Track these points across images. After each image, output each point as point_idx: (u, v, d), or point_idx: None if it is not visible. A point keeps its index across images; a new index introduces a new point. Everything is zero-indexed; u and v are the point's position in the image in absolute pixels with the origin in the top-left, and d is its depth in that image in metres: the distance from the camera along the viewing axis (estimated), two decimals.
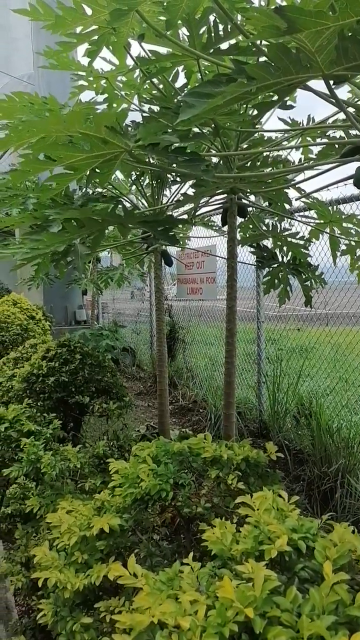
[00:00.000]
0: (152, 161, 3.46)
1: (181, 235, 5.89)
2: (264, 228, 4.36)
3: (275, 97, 1.98)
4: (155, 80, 3.74)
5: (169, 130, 2.12)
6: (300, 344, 6.07)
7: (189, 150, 2.40)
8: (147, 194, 4.75)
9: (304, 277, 4.19)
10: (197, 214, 4.25)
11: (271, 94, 2.16)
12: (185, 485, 1.58)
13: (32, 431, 2.60)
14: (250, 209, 3.93)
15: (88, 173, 2.46)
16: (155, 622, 0.97)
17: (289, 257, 4.24)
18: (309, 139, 3.75)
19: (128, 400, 3.04)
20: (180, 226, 5.36)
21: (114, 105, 3.86)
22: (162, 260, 5.10)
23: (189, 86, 3.58)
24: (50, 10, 2.85)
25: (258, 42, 1.81)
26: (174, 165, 2.25)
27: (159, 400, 4.63)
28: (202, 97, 1.46)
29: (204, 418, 6.18)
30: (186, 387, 7.10)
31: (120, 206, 3.36)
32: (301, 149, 3.91)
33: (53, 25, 2.72)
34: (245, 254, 6.10)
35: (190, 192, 3.65)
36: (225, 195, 3.82)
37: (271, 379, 5.57)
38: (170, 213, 3.83)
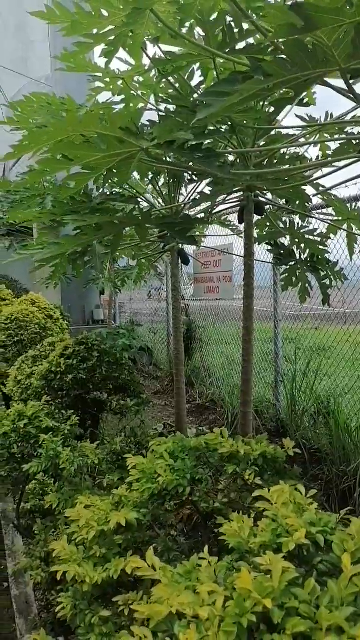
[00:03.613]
0: (168, 160, 3.47)
1: (197, 233, 5.89)
2: (281, 225, 4.35)
3: (292, 94, 1.99)
4: (171, 79, 3.75)
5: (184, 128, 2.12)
6: (317, 343, 6.02)
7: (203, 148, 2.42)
8: (164, 193, 4.76)
9: (322, 274, 4.17)
10: (213, 212, 4.24)
11: (287, 90, 2.16)
12: (202, 480, 1.59)
13: (51, 428, 2.63)
14: (267, 206, 3.92)
15: (105, 172, 2.48)
16: (173, 612, 0.98)
17: (306, 255, 4.22)
18: (326, 135, 3.73)
19: (145, 398, 3.05)
20: (197, 225, 5.36)
21: (131, 105, 3.89)
22: (179, 259, 5.12)
23: (204, 84, 3.60)
24: (67, 13, 2.87)
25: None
26: (190, 162, 2.26)
27: (176, 399, 4.64)
28: (219, 96, 1.47)
29: (221, 417, 6.18)
30: (203, 386, 7.11)
31: (136, 207, 3.38)
32: (319, 145, 3.89)
33: (69, 29, 2.75)
34: (262, 252, 6.08)
35: (207, 190, 3.65)
36: (242, 193, 3.83)
37: (288, 378, 5.55)
38: (187, 212, 3.84)
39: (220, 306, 7.89)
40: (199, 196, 3.38)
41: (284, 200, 4.22)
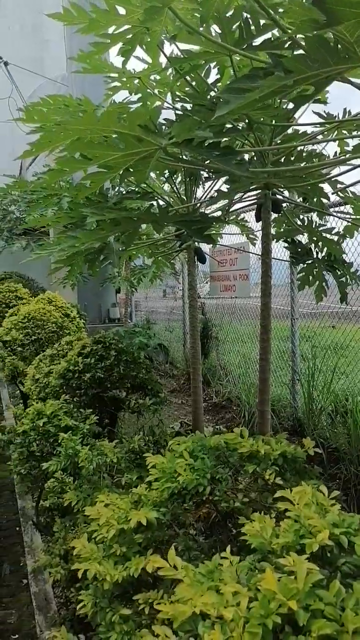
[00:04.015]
0: (185, 159, 3.46)
1: (213, 232, 5.87)
2: (299, 223, 4.32)
3: (311, 90, 1.97)
4: (188, 77, 3.74)
5: (202, 126, 2.11)
6: (334, 341, 5.98)
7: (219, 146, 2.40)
8: (180, 191, 4.76)
9: (339, 273, 4.14)
10: (230, 210, 4.22)
11: (306, 87, 2.14)
12: (222, 480, 1.59)
13: (70, 426, 2.65)
14: (284, 204, 3.89)
15: (122, 172, 2.48)
16: (197, 612, 0.97)
17: (324, 253, 4.19)
18: (344, 132, 3.69)
19: (163, 397, 3.05)
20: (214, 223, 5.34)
21: (148, 103, 3.89)
22: (196, 258, 5.11)
23: (220, 82, 3.59)
24: (84, 13, 2.88)
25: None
26: (208, 160, 2.25)
27: (193, 397, 4.64)
28: (239, 93, 1.46)
29: (237, 415, 6.17)
30: (219, 384, 7.09)
31: (154, 205, 3.38)
32: (337, 142, 3.85)
33: (86, 28, 2.75)
34: (278, 250, 6.05)
35: (224, 188, 3.64)
36: (259, 191, 3.81)
37: (305, 376, 5.52)
38: (204, 210, 3.83)
39: (236, 304, 7.87)
40: (216, 194, 3.38)
41: (300, 198, 4.19)
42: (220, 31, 2.63)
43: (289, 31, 1.71)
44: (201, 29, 2.81)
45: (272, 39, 2.61)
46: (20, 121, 3.40)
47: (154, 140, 2.00)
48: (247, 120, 2.96)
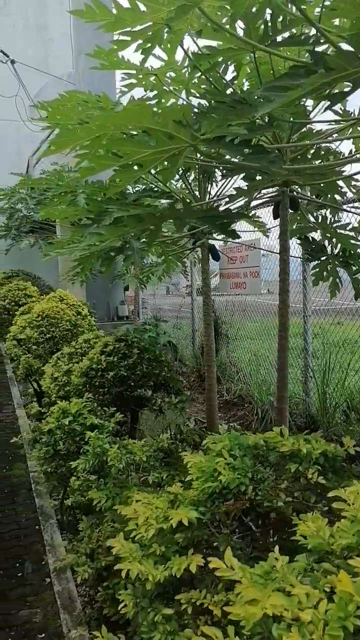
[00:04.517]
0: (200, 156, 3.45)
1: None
2: (312, 220, 4.31)
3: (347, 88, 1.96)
4: (205, 75, 3.73)
5: (233, 124, 2.11)
6: (343, 338, 5.96)
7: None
8: (193, 189, 4.75)
9: (354, 269, 4.13)
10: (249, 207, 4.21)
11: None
12: (264, 479, 1.58)
13: (95, 425, 2.65)
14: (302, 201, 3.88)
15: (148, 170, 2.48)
16: (269, 614, 0.97)
17: (338, 250, 4.19)
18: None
19: (189, 395, 3.05)
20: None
21: (162, 100, 3.88)
22: (210, 255, 5.10)
23: (237, 80, 3.58)
24: (107, 10, 2.87)
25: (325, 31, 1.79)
26: (238, 158, 2.24)
27: (207, 395, 4.63)
28: (280, 91, 1.45)
29: (249, 413, 6.16)
30: (230, 381, 7.09)
31: (177, 202, 3.37)
32: (352, 140, 3.84)
33: (112, 25, 2.74)
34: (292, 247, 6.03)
35: (243, 186, 3.63)
36: (277, 188, 3.80)
37: (319, 373, 5.52)
38: (225, 207, 3.81)
39: (245, 301, 7.87)
40: (234, 191, 3.37)
41: (314, 195, 4.18)
42: (244, 28, 2.62)
43: (346, 29, 1.70)
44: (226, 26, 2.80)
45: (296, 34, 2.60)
46: (39, 120, 3.40)
47: (185, 137, 1.99)
48: (267, 118, 2.95)
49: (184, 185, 5.38)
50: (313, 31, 2.78)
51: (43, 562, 3.31)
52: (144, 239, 3.54)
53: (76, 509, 3.28)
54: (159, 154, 2.08)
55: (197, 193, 4.68)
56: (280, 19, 2.53)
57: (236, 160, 2.76)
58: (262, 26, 2.65)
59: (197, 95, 3.93)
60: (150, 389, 2.94)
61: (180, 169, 4.68)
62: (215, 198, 4.64)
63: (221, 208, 4.11)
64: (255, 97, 1.81)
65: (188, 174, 4.84)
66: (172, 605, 1.66)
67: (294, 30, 2.79)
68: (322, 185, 3.56)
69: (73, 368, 3.66)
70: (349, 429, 4.92)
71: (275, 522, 1.72)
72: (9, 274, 12.20)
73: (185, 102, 3.82)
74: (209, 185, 4.76)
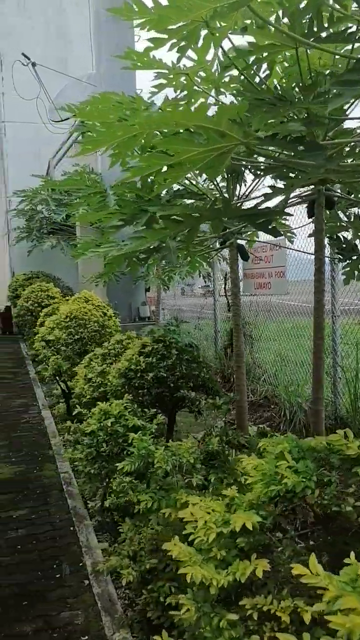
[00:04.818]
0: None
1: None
2: (345, 219, 4.26)
3: None
4: (235, 73, 3.71)
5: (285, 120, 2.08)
6: None
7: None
8: (222, 189, 4.72)
9: None
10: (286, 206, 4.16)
11: None
12: (330, 483, 1.55)
13: (138, 426, 2.62)
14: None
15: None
16: None
17: None
18: None
19: (232, 396, 3.02)
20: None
21: (192, 100, 3.87)
22: (238, 255, 5.07)
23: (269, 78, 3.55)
24: (146, 8, 2.86)
25: None
26: (292, 155, 2.20)
27: (238, 396, 4.60)
28: (352, 85, 1.42)
29: (276, 414, 6.11)
30: (255, 382, 7.04)
31: (217, 201, 3.34)
32: None
33: (155, 22, 2.72)
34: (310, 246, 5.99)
35: (280, 185, 3.60)
36: (312, 186, 3.75)
37: (351, 374, 5.45)
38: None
39: (269, 302, 7.81)
40: (267, 190, 3.34)
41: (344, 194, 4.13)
42: (288, 25, 2.59)
43: None
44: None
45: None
46: (60, 121, 3.39)
47: (238, 134, 1.96)
48: (306, 114, 2.91)
49: (211, 185, 5.37)
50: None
51: (80, 564, 3.30)
52: (180, 239, 3.52)
53: (113, 510, 3.27)
54: (209, 152, 2.05)
55: (225, 194, 4.65)
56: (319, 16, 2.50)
57: (284, 157, 2.72)
58: (307, 23, 2.62)
59: (228, 94, 3.91)
60: (190, 390, 2.92)
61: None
62: (244, 198, 4.61)
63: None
64: (294, 93, 1.77)
65: None
66: (234, 611, 1.63)
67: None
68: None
69: (107, 369, 3.64)
70: None
71: (339, 527, 1.69)
72: (29, 276, 12.27)
73: (216, 102, 3.80)
74: (238, 186, 4.73)
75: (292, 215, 3.85)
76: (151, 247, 3.24)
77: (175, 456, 2.36)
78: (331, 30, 2.59)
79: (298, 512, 1.78)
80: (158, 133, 3.75)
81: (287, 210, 5.85)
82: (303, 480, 1.55)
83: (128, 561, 2.60)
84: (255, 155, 3.42)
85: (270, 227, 2.79)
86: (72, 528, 3.72)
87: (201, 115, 1.75)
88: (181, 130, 2.26)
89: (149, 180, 3.47)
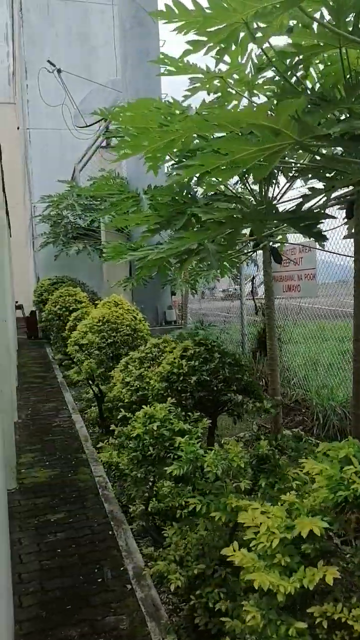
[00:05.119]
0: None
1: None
2: None
3: None
4: (270, 74, 3.69)
5: (342, 118, 2.05)
6: None
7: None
8: (254, 192, 4.69)
9: None
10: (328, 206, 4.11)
11: None
12: None
13: (184, 430, 2.60)
14: None
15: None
16: None
17: None
18: None
19: (279, 400, 2.99)
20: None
21: (226, 103, 3.85)
22: (271, 258, 5.03)
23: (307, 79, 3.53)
24: (187, 11, 2.85)
25: None
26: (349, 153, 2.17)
27: (279, 400, 4.55)
28: None
29: (308, 418, 6.04)
30: (286, 386, 6.97)
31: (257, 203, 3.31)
32: None
33: (201, 24, 2.72)
34: (344, 247, 5.94)
35: (320, 186, 3.56)
36: (351, 188, 3.71)
37: None
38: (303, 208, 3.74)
39: (300, 305, 7.76)
40: (307, 192, 3.30)
41: None
42: (333, 24, 2.56)
43: None
44: (314, 25, 2.75)
45: None
46: (115, 122, 3.41)
47: (293, 133, 1.94)
48: (348, 114, 2.87)
49: (241, 188, 5.34)
50: None
51: (122, 568, 3.28)
52: (217, 242, 3.50)
53: (155, 515, 3.25)
54: (262, 151, 2.03)
55: (258, 197, 4.62)
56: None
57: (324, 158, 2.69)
58: (351, 21, 2.59)
59: (261, 95, 3.89)
60: (234, 393, 2.89)
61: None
62: (276, 201, 4.58)
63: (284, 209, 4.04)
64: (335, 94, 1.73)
65: (247, 176, 4.78)
66: (302, 619, 1.59)
67: None
68: None
69: (145, 373, 3.63)
70: None
71: None
72: (54, 280, 12.37)
73: (249, 103, 3.79)
74: (271, 188, 4.70)
75: (335, 217, 3.80)
76: (189, 249, 3.22)
77: (225, 460, 2.33)
78: None
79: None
80: (196, 136, 3.76)
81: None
82: None
83: (175, 566, 2.57)
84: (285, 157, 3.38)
85: (314, 230, 2.75)
86: (110, 532, 3.71)
87: (262, 113, 1.73)
88: (229, 132, 2.25)
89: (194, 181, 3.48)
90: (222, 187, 4.48)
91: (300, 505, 1.77)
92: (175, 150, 3.71)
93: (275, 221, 3.37)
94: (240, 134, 2.26)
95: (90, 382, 5.40)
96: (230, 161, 2.07)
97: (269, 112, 2.03)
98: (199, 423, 2.69)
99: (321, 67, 3.54)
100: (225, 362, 2.95)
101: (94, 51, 14.16)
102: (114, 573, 3.25)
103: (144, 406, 2.76)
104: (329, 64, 3.41)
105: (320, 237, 2.72)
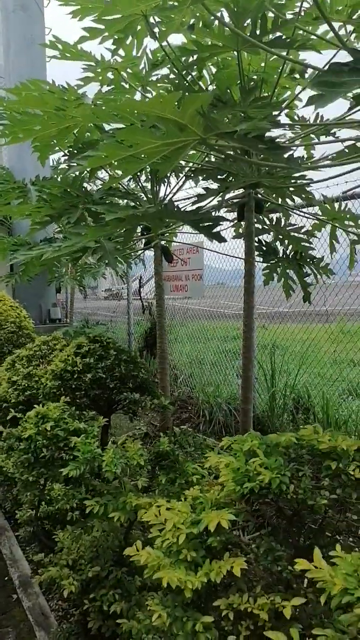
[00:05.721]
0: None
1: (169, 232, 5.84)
2: (267, 223, 4.39)
3: None
4: (165, 71, 3.71)
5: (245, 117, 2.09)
6: (272, 340, 6.15)
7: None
8: (146, 190, 4.69)
9: (304, 272, 4.26)
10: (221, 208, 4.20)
11: None
12: (305, 477, 1.56)
13: (80, 429, 2.52)
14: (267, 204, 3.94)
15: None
16: None
17: (289, 251, 4.30)
18: (312, 136, 3.80)
19: (173, 397, 2.97)
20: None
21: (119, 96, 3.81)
22: (162, 256, 5.05)
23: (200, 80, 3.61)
24: None
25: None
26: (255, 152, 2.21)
27: (168, 398, 4.57)
28: (330, 87, 1.44)
29: (194, 415, 6.15)
30: (174, 384, 7.06)
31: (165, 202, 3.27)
32: (304, 147, 3.95)
33: (104, 11, 2.64)
34: (234, 248, 6.17)
35: (214, 186, 3.62)
36: (243, 190, 3.83)
37: (261, 374, 5.63)
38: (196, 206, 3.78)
39: (180, 306, 7.90)
40: (203, 191, 3.35)
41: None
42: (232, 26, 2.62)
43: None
44: (215, 23, 2.79)
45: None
46: (10, 106, 3.21)
47: (198, 129, 1.93)
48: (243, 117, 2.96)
49: (135, 184, 5.31)
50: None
51: (6, 578, 3.09)
52: (113, 239, 3.42)
53: (44, 519, 3.10)
54: (166, 146, 2.01)
55: (148, 193, 4.62)
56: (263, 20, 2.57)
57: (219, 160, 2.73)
58: (250, 26, 2.67)
59: (154, 93, 3.90)
60: (130, 391, 2.84)
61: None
62: (166, 199, 4.61)
63: (187, 208, 4.08)
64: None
65: (139, 173, 4.77)
66: (208, 612, 1.59)
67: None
68: (290, 189, 3.62)
69: (34, 371, 3.47)
70: (296, 429, 5.05)
71: (302, 522, 1.72)
72: None
73: (143, 99, 3.77)
74: (161, 187, 4.72)
75: (228, 220, 3.90)
76: (85, 247, 3.11)
77: (123, 458, 2.28)
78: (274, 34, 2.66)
79: (261, 510, 1.79)
80: (91, 126, 3.66)
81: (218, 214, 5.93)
82: (278, 476, 1.55)
83: (68, 570, 2.47)
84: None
85: (213, 231, 2.79)
86: None
87: (170, 104, 1.70)
88: (128, 124, 2.20)
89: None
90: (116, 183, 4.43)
91: (205, 500, 1.77)
92: (66, 141, 3.60)
93: (173, 220, 3.37)
94: (141, 126, 2.22)
95: None
96: (134, 154, 2.02)
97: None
98: (95, 422, 2.61)
99: (213, 70, 3.62)
100: (121, 359, 2.90)
101: None
102: None
103: (35, 406, 2.62)
104: (222, 67, 3.50)
105: (220, 239, 2.76)
